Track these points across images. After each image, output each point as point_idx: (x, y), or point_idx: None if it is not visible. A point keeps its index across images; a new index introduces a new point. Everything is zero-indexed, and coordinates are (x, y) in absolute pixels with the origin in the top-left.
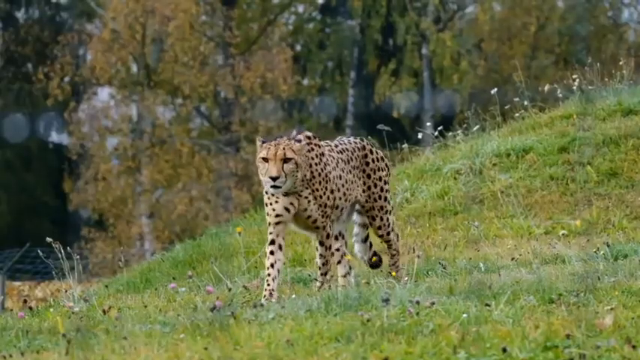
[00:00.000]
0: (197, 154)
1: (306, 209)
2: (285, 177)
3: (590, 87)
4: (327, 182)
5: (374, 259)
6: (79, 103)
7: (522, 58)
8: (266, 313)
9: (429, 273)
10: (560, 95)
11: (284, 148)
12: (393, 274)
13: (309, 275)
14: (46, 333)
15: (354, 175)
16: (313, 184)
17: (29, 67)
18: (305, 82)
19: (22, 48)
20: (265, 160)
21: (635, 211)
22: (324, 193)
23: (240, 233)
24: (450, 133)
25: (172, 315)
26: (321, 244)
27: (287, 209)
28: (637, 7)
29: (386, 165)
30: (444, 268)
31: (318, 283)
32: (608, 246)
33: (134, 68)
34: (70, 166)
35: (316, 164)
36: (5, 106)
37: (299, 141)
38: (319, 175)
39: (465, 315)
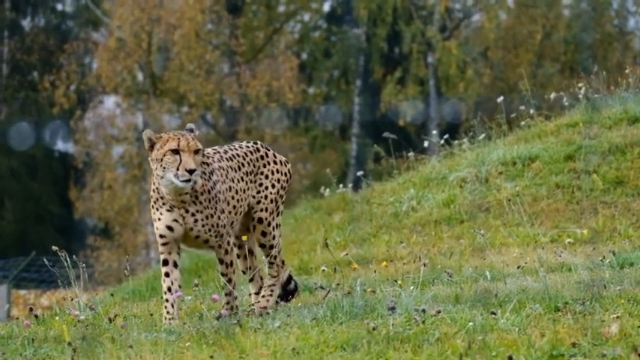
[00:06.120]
0: None
1: (192, 229)
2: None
3: (596, 95)
4: (217, 201)
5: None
6: (84, 111)
7: (528, 66)
8: (272, 321)
9: (435, 281)
10: (566, 103)
11: (193, 139)
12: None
13: (315, 283)
14: (51, 341)
15: (246, 182)
16: (201, 202)
17: (35, 75)
18: (311, 90)
19: (28, 56)
20: (176, 152)
21: None
22: (215, 213)
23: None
24: (456, 142)
25: (178, 323)
26: (221, 261)
27: (170, 228)
28: None
29: (288, 171)
30: (450, 276)
31: (224, 305)
32: (614, 254)
33: (140, 76)
34: (76, 175)
35: (206, 180)
36: (11, 115)
37: (191, 130)
38: (208, 192)
39: (470, 323)
